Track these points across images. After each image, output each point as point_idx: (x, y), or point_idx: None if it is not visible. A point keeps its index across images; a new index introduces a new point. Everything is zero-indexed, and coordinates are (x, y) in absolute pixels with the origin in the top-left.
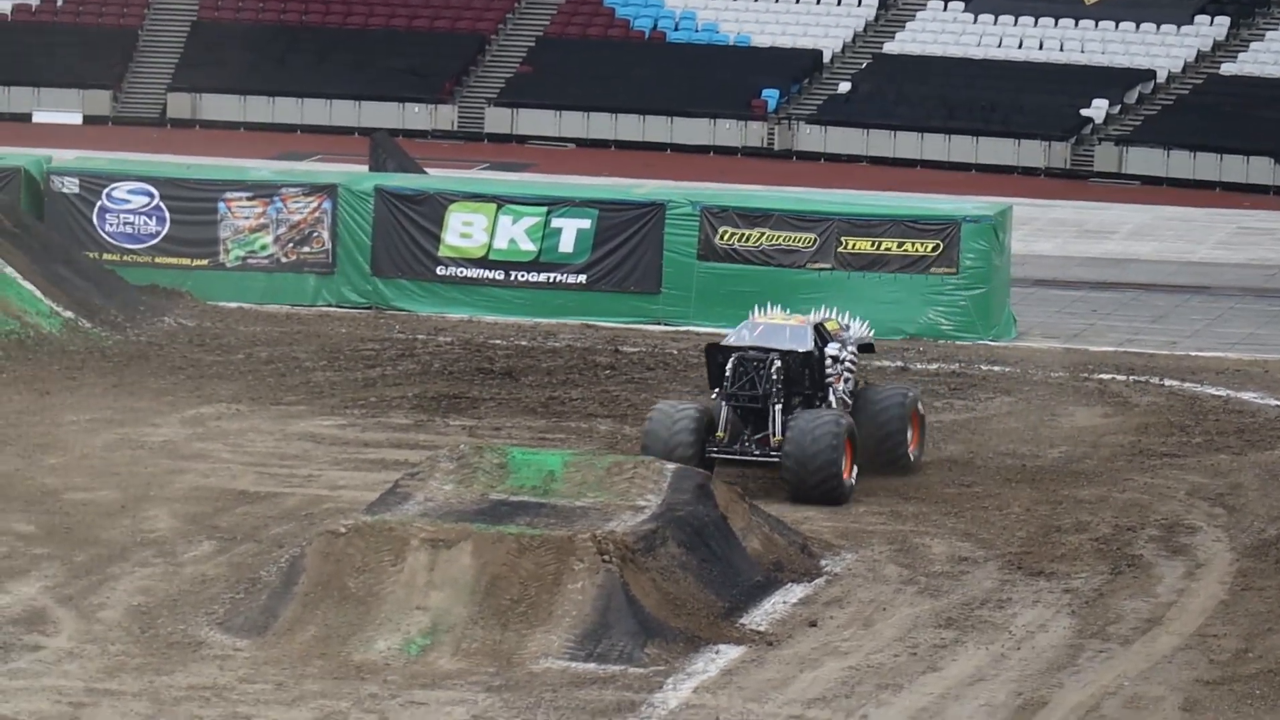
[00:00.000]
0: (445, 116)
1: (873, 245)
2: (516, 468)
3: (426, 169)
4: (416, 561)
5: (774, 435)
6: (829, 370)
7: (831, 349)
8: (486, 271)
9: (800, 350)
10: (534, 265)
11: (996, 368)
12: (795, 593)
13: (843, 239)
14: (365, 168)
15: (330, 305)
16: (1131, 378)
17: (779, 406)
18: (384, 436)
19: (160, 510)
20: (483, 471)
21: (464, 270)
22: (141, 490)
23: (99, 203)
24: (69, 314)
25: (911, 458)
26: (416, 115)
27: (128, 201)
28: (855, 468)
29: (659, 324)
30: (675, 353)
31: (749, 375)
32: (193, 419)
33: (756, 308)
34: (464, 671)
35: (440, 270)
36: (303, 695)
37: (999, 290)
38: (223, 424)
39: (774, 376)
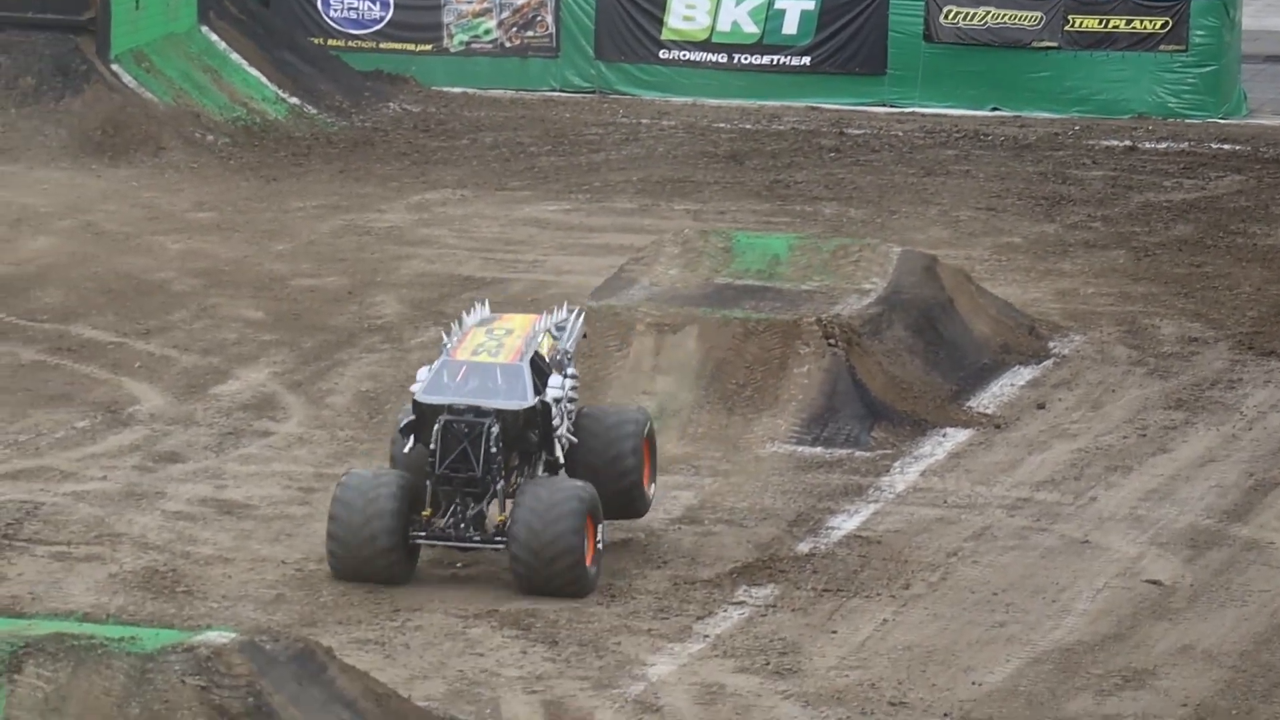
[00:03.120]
0: None
1: (1100, 23)
2: (741, 251)
3: None
4: (642, 346)
5: (498, 513)
6: (556, 420)
7: (553, 389)
8: (710, 54)
9: (520, 408)
10: (757, 48)
11: (1226, 146)
12: (1023, 375)
13: (1069, 16)
14: None
15: (554, 90)
16: None
17: (502, 484)
18: (608, 221)
19: (387, 296)
20: (707, 255)
21: (687, 53)
22: (368, 276)
23: None
24: (294, 100)
25: (647, 495)
26: None
27: None
28: (599, 548)
29: (884, 106)
30: (900, 135)
31: (460, 446)
32: (418, 205)
33: (455, 325)
34: (690, 456)
35: (663, 54)
36: None
37: (1229, 67)
38: (448, 209)
39: (493, 449)
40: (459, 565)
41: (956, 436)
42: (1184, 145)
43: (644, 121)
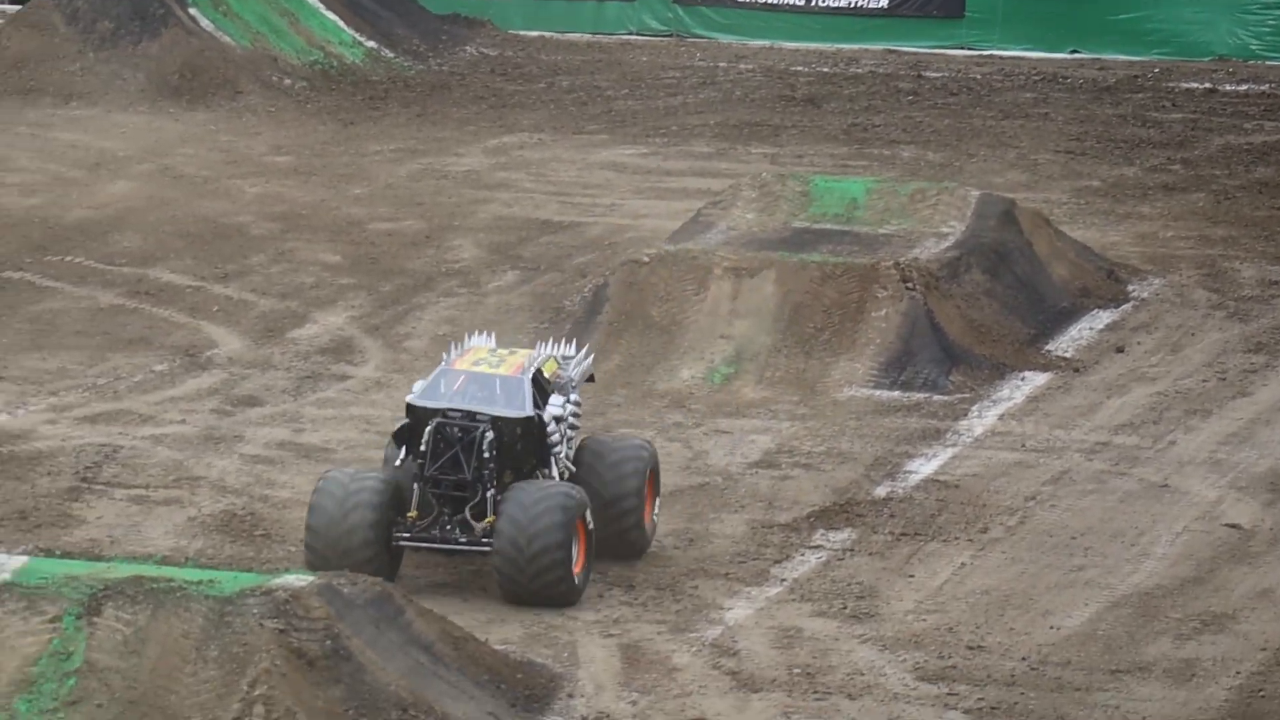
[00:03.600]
0: None
1: None
2: (819, 195)
3: None
4: (719, 290)
5: (485, 514)
6: (551, 435)
7: (554, 406)
8: None
9: (517, 416)
10: None
11: None
12: (1102, 319)
13: None
14: None
15: (631, 33)
16: None
17: (490, 492)
18: (686, 165)
19: (464, 240)
20: (785, 199)
21: None
22: (445, 220)
23: None
24: (372, 44)
25: (647, 533)
26: None
27: None
28: (588, 557)
29: (962, 48)
30: (978, 78)
31: (452, 450)
32: (495, 148)
33: (453, 345)
34: (767, 400)
35: None
36: (608, 424)
37: None
38: (525, 153)
39: (485, 454)
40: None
41: (1035, 380)
42: (1264, 88)
43: (721, 65)
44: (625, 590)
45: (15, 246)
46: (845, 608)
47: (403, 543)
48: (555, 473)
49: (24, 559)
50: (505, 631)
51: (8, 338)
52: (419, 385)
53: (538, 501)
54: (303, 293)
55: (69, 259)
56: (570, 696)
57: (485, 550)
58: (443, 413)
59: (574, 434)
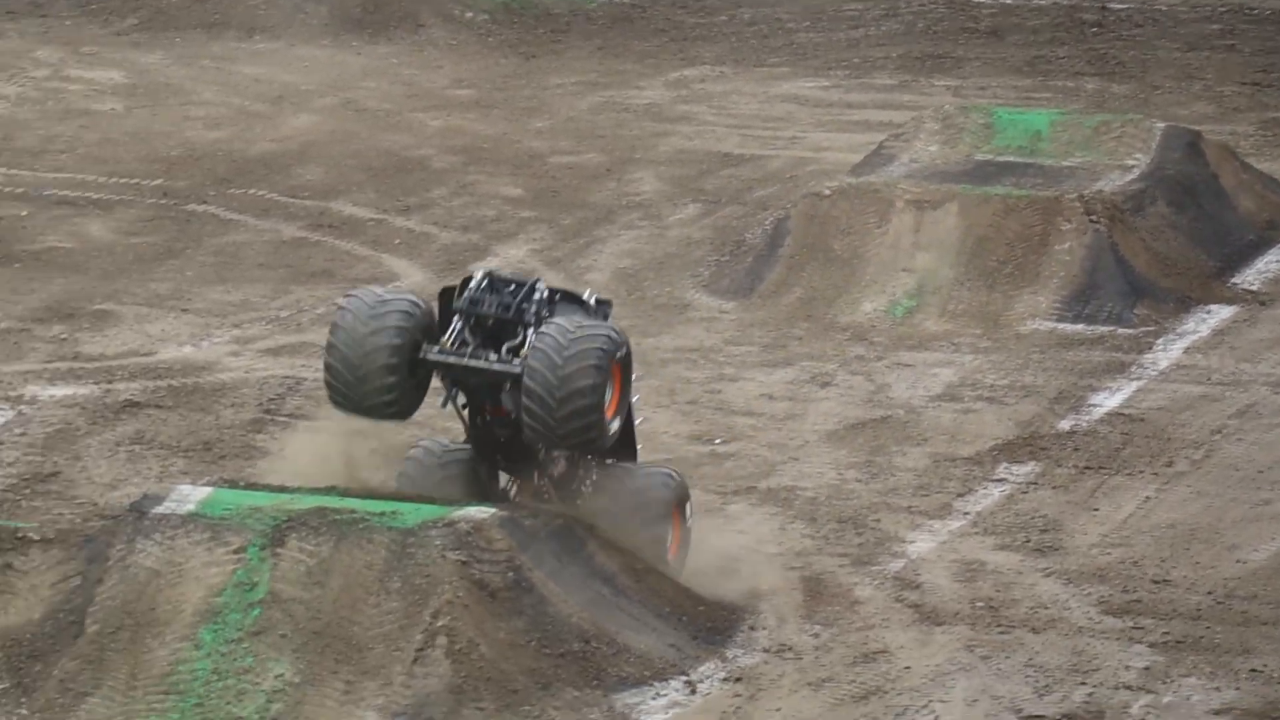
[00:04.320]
0: None
1: None
2: (1002, 128)
3: None
4: (902, 223)
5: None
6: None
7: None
8: None
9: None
10: None
11: None
12: None
13: None
14: None
15: None
16: None
17: (531, 331)
18: (868, 98)
19: (645, 173)
20: (968, 132)
21: None
22: (626, 153)
23: None
24: None
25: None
26: None
27: None
28: (622, 403)
29: None
30: (1164, 9)
31: (501, 291)
32: (676, 81)
33: None
34: (950, 333)
35: None
36: (789, 357)
37: None
38: (706, 86)
39: (540, 296)
40: (717, 441)
41: (1221, 313)
42: None
43: None
44: (808, 523)
45: (200, 180)
46: (1029, 541)
47: (429, 357)
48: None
49: (208, 490)
50: (688, 563)
51: (192, 270)
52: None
53: (578, 337)
54: (484, 226)
55: (252, 192)
56: (752, 629)
57: (515, 371)
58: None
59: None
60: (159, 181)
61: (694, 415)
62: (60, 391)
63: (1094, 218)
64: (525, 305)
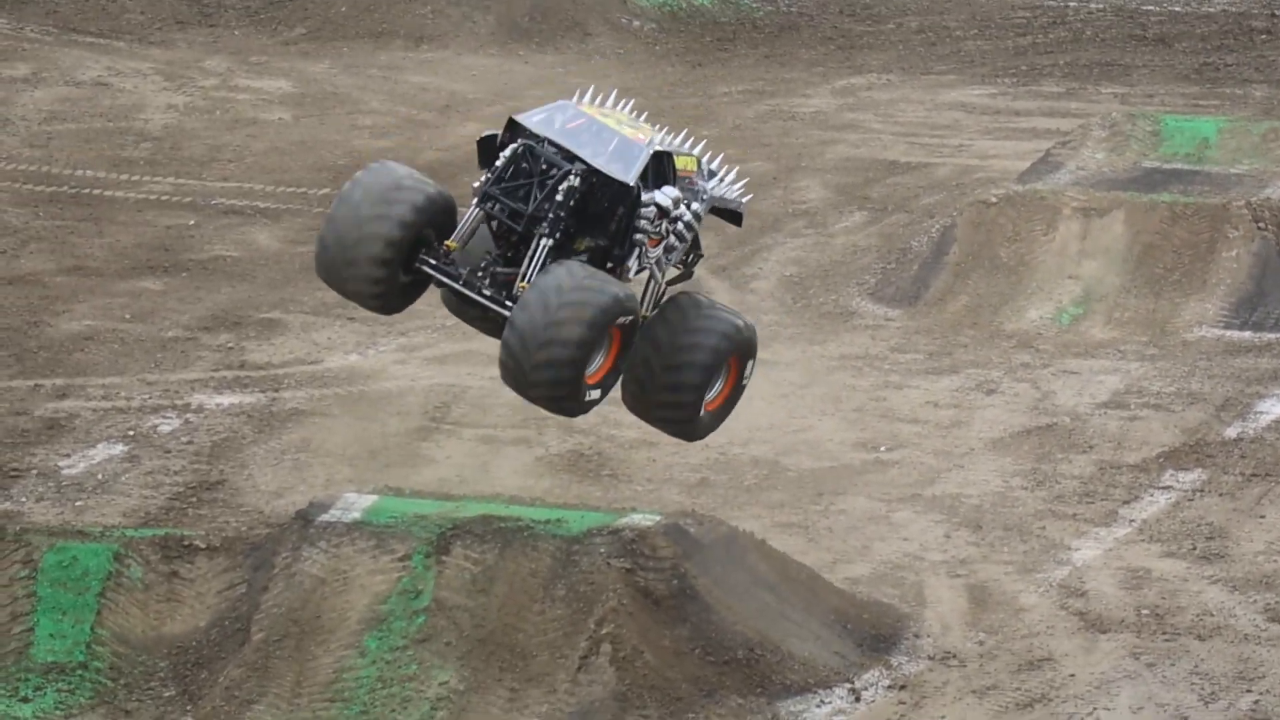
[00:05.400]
0: None
1: None
2: (1169, 135)
3: None
4: (1068, 230)
5: (520, 280)
6: (645, 225)
7: (665, 196)
8: None
9: (617, 179)
10: None
11: None
12: None
13: None
14: None
15: None
16: None
17: (548, 242)
18: (1035, 105)
19: (811, 181)
20: (1135, 139)
21: None
22: (793, 161)
23: None
24: None
25: (701, 422)
26: None
27: None
28: (611, 376)
29: None
30: None
31: (527, 180)
32: (843, 89)
33: (580, 94)
34: (1116, 340)
35: None
36: (955, 365)
37: None
38: (873, 94)
39: (560, 198)
40: (882, 448)
41: None
42: None
43: (1071, 4)
44: (972, 530)
45: None
46: (1195, 548)
47: (424, 266)
48: (633, 261)
49: (374, 498)
50: (851, 571)
51: None
52: (535, 111)
53: (575, 282)
54: None
55: None
56: (917, 636)
57: (503, 313)
58: (538, 139)
59: (678, 251)
60: (326, 190)
61: (859, 423)
62: (227, 400)
63: (1261, 225)
64: (545, 212)
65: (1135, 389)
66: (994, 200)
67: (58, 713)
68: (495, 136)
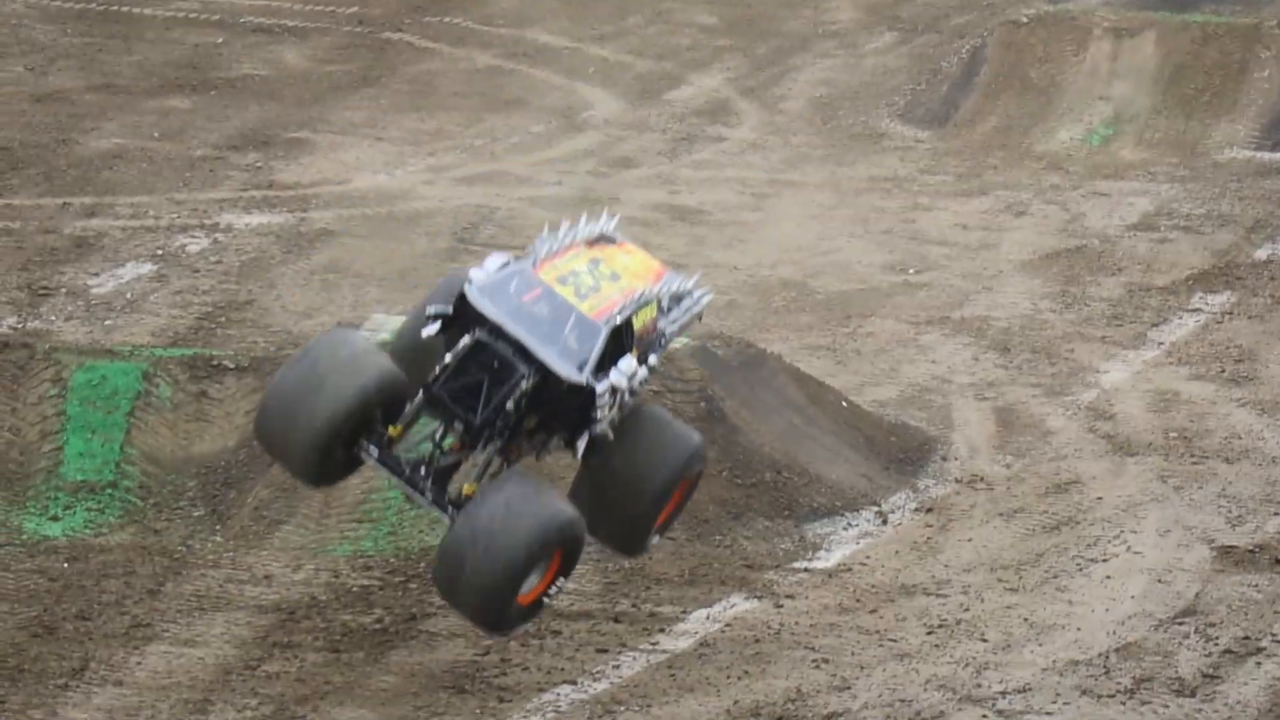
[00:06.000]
0: None
1: None
2: None
3: None
4: (1099, 51)
5: (468, 482)
6: (598, 409)
7: (619, 375)
8: None
9: (569, 379)
10: None
11: None
12: None
13: None
14: None
15: None
16: None
17: (496, 444)
18: None
19: (841, 1)
20: None
21: None
22: None
23: None
24: None
25: (649, 541)
26: None
27: None
28: (559, 582)
29: None
30: None
31: (478, 375)
32: None
33: (566, 225)
34: (1146, 162)
35: None
36: (984, 186)
37: None
38: None
39: (509, 407)
40: (910, 271)
41: None
42: None
43: None
44: (1000, 353)
45: (395, 8)
46: (1223, 371)
47: (364, 455)
48: (581, 443)
49: (402, 318)
50: (879, 393)
51: (386, 98)
52: (491, 264)
53: (525, 506)
54: (678, 54)
55: (447, 20)
56: (944, 459)
57: (446, 519)
58: (493, 329)
59: (632, 400)
60: (354, 9)
61: (888, 245)
62: (255, 219)
63: None
64: (495, 414)
65: (1165, 211)
66: (1025, 20)
67: (87, 531)
68: (444, 312)
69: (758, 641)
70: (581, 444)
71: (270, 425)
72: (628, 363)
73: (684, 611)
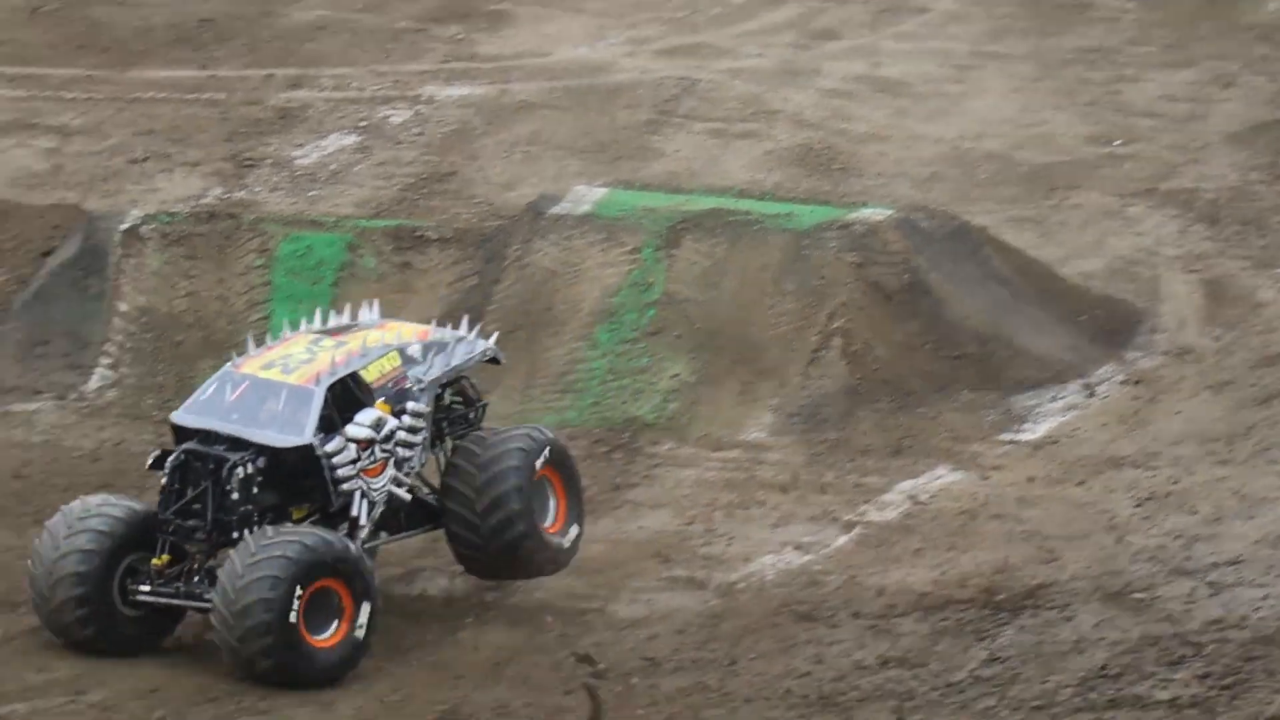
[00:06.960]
0: None
1: None
2: None
3: None
4: None
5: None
6: (345, 470)
7: (358, 427)
8: None
9: (286, 446)
10: None
11: None
12: None
13: None
14: None
15: None
16: None
17: (243, 533)
18: None
19: None
20: None
21: None
22: None
23: None
24: None
25: (555, 549)
26: None
27: None
28: (362, 625)
29: None
30: None
31: (197, 485)
32: None
33: (286, 328)
34: None
35: None
36: (1191, 58)
37: None
38: None
39: (235, 495)
40: (1116, 143)
41: None
42: None
43: None
44: (1209, 225)
45: None
46: None
47: (140, 597)
48: (356, 508)
49: (604, 190)
50: (1085, 266)
51: None
52: (199, 391)
53: (253, 563)
54: None
55: None
56: (1152, 331)
57: (206, 608)
58: (195, 437)
59: (410, 452)
60: None
61: (1093, 116)
62: (457, 91)
63: None
64: (227, 513)
65: None
66: None
67: None
68: (165, 454)
69: (964, 513)
70: (360, 508)
71: (37, 608)
72: (366, 414)
73: (890, 482)
